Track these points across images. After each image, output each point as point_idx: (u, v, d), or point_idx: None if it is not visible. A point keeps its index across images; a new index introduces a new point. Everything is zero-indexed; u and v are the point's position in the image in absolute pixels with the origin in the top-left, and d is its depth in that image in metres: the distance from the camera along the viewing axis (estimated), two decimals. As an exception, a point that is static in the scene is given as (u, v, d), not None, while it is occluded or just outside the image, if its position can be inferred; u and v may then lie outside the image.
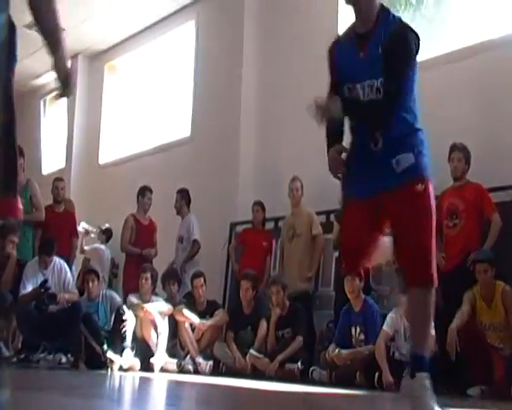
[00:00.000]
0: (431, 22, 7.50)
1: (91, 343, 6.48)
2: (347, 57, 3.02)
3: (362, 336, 5.77)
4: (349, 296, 5.90)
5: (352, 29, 3.06)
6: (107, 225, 9.24)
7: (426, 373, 2.88)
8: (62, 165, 11.43)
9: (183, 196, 7.96)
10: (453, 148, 5.70)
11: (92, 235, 9.31)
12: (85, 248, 9.07)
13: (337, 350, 5.80)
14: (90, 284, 6.89)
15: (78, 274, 8.05)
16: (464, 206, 5.55)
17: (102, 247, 9.06)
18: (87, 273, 7.12)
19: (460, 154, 5.69)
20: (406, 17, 7.63)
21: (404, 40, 2.88)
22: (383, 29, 2.91)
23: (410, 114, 2.96)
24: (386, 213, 2.97)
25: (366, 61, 2.94)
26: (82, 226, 8.82)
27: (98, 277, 7.01)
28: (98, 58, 11.50)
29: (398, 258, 3.05)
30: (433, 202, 2.92)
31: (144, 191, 8.01)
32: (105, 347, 6.46)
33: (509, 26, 6.36)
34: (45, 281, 6.47)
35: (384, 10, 2.98)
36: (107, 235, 9.22)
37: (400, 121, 2.93)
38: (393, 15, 2.99)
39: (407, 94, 2.96)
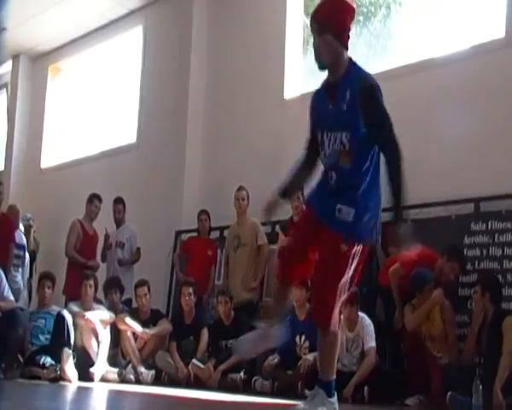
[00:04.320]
0: (377, 38, 7.69)
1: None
2: (321, 107, 3.15)
3: (307, 344, 5.81)
4: (294, 305, 5.94)
5: (326, 78, 3.18)
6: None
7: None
8: (1, 168, 11.14)
9: (124, 205, 7.91)
10: None
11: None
12: None
13: (275, 360, 5.83)
14: (46, 290, 6.75)
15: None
16: None
17: None
18: (42, 278, 6.95)
19: None
20: (354, 33, 7.81)
21: (372, 97, 2.97)
22: (349, 83, 3.00)
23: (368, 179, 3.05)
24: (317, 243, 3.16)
25: (333, 113, 3.05)
26: None
27: (54, 282, 6.84)
28: (41, 59, 11.27)
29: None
30: (348, 265, 3.06)
31: (92, 198, 7.87)
32: (42, 359, 6.33)
33: (449, 45, 6.58)
34: None
35: (353, 64, 3.08)
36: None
37: (359, 177, 3.03)
38: (361, 70, 3.08)
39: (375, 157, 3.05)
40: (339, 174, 3.04)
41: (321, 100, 3.15)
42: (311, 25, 3.14)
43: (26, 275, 8.10)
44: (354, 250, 3.05)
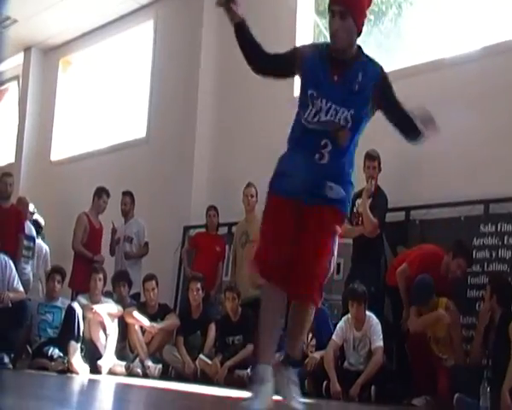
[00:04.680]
0: (388, 37, 7.68)
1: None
2: (320, 72, 3.14)
3: (314, 342, 5.83)
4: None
5: (327, 50, 3.17)
6: (34, 217, 8.95)
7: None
8: (12, 159, 11.18)
9: (132, 199, 7.93)
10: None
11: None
12: None
13: (282, 357, 5.83)
14: (56, 284, 6.79)
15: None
16: None
17: (39, 242, 8.77)
18: (52, 272, 6.99)
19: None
20: (365, 32, 7.80)
21: (391, 84, 3.16)
22: (361, 67, 3.11)
23: (352, 156, 3.20)
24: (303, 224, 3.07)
25: (339, 88, 3.10)
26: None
27: (63, 277, 6.89)
28: (53, 53, 11.29)
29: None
30: (336, 242, 3.14)
31: (101, 193, 7.88)
32: (50, 350, 6.36)
33: (460, 45, 6.58)
34: None
35: (362, 50, 3.17)
36: (40, 230, 8.91)
37: (350, 155, 3.17)
38: (371, 57, 3.19)
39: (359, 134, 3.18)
40: (334, 146, 3.08)
41: (321, 64, 3.14)
42: (331, 5, 3.14)
43: (44, 267, 8.15)
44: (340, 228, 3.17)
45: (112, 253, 7.94)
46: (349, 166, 3.17)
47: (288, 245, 3.04)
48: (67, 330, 6.47)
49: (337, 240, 3.16)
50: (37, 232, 8.71)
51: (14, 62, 11.53)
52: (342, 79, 3.10)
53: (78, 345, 6.38)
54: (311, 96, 3.10)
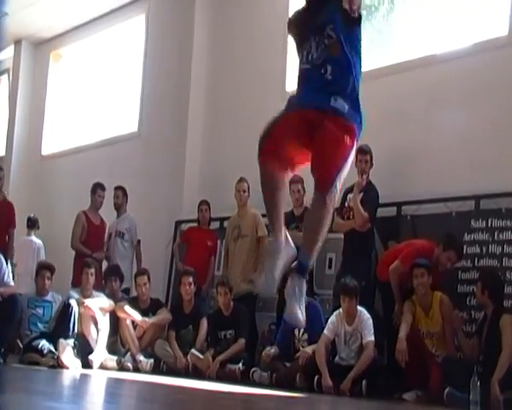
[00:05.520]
0: (381, 33, 7.68)
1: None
2: (298, 19, 3.20)
3: (305, 336, 5.85)
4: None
5: None
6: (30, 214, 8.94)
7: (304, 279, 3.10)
8: (2, 153, 11.13)
9: (125, 193, 7.92)
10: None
11: None
12: None
13: (272, 350, 5.87)
14: (46, 281, 6.77)
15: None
16: None
17: (31, 238, 8.80)
18: (41, 269, 6.97)
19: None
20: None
21: None
22: None
23: (356, 68, 3.14)
24: (311, 131, 3.06)
25: (311, 16, 3.14)
26: None
27: (52, 272, 6.87)
28: (43, 46, 11.25)
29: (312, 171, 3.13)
30: (351, 154, 3.07)
31: (95, 188, 7.85)
32: (41, 344, 6.35)
33: (452, 42, 6.60)
34: None
35: None
36: (30, 225, 8.94)
37: (350, 65, 3.11)
38: None
39: (358, 45, 3.15)
40: (333, 64, 3.08)
41: (298, 16, 3.23)
42: None
43: (34, 263, 8.13)
44: (353, 144, 3.10)
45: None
46: (352, 79, 3.11)
47: (286, 145, 3.13)
48: (62, 326, 6.44)
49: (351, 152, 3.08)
50: (33, 227, 8.75)
51: (5, 55, 11.49)
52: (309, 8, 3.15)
53: (71, 341, 6.34)
54: (307, 43, 3.12)
